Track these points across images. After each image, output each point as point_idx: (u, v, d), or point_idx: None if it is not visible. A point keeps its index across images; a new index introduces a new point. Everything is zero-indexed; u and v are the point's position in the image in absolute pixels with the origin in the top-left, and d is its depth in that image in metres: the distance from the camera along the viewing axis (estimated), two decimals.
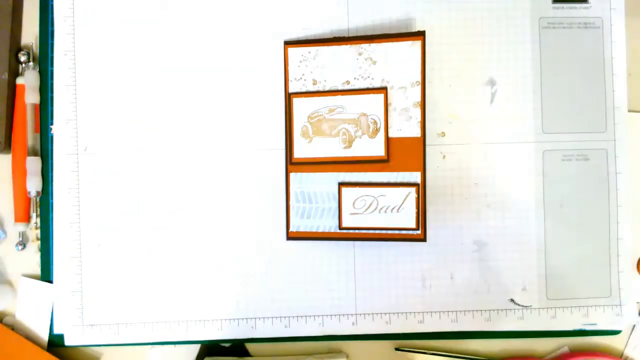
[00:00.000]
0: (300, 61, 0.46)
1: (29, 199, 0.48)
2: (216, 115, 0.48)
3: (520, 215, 0.48)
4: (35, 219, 0.48)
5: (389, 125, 0.45)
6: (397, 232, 0.46)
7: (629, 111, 0.49)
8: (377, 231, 0.46)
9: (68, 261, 0.47)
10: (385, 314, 0.48)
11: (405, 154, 0.45)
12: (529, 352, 0.50)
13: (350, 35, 0.48)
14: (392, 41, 0.45)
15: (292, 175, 0.47)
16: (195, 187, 0.47)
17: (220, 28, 0.48)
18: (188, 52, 0.47)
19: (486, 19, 0.48)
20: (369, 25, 0.48)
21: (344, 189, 0.46)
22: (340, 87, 0.46)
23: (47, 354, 0.46)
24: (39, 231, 0.48)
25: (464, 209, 0.48)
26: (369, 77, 0.45)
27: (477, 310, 0.48)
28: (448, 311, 0.48)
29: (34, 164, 0.47)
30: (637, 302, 0.49)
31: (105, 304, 0.47)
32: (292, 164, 0.47)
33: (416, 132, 0.45)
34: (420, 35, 0.45)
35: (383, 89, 0.45)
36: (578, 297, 0.49)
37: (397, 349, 0.49)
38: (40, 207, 0.48)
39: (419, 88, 0.45)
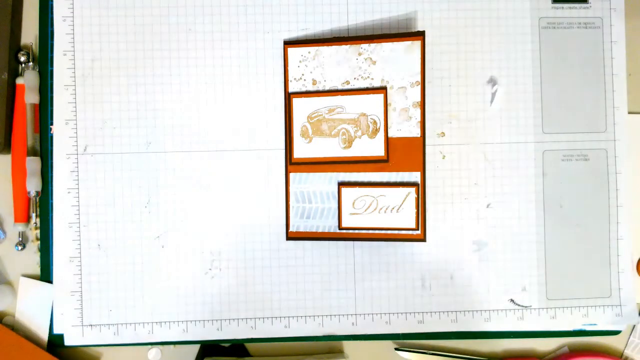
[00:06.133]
0: (300, 61, 0.46)
1: (29, 199, 0.48)
2: (216, 115, 0.48)
3: (520, 215, 0.48)
4: (34, 219, 0.48)
5: (388, 125, 0.45)
6: (397, 232, 0.46)
7: (629, 112, 0.49)
8: (377, 231, 0.46)
9: (68, 261, 0.47)
10: (385, 314, 0.48)
11: (405, 154, 0.45)
12: (529, 352, 0.50)
13: (350, 35, 0.48)
14: (392, 41, 0.45)
15: (292, 175, 0.47)
16: (195, 187, 0.47)
17: (220, 28, 0.48)
18: (188, 52, 0.47)
19: (486, 19, 0.48)
20: (368, 25, 0.48)
21: (343, 189, 0.46)
22: (340, 87, 0.46)
23: (47, 354, 0.46)
24: (38, 231, 0.48)
25: (464, 209, 0.48)
26: (368, 77, 0.45)
27: (477, 310, 0.48)
28: (448, 311, 0.48)
29: (33, 164, 0.47)
30: (637, 303, 0.49)
31: (105, 304, 0.47)
32: (292, 164, 0.47)
33: (416, 132, 0.45)
34: (420, 35, 0.45)
35: (383, 89, 0.45)
36: (578, 297, 0.49)
37: (397, 349, 0.49)
38: (40, 207, 0.48)
39: (418, 88, 0.45)
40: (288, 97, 0.47)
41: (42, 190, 0.48)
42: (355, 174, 0.46)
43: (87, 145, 0.47)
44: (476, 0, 0.48)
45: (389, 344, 0.49)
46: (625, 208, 0.49)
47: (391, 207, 0.46)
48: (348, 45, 0.46)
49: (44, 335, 0.47)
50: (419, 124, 0.45)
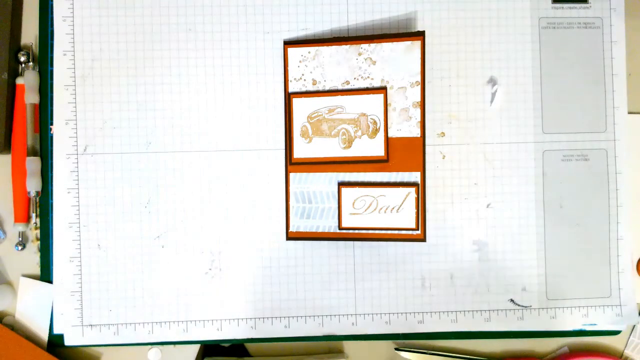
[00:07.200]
0: (300, 61, 0.46)
1: (29, 199, 0.48)
2: (216, 115, 0.48)
3: (520, 215, 0.48)
4: (34, 219, 0.48)
5: (388, 125, 0.45)
6: (397, 232, 0.46)
7: (629, 112, 0.49)
8: (377, 231, 0.46)
9: (68, 261, 0.47)
10: (385, 314, 0.48)
11: (405, 154, 0.45)
12: (529, 352, 0.50)
13: (350, 35, 0.48)
14: (392, 41, 0.45)
15: (291, 175, 0.47)
16: (195, 187, 0.47)
17: (220, 28, 0.48)
18: (188, 52, 0.47)
19: (486, 19, 0.48)
20: (368, 25, 0.48)
21: (343, 189, 0.46)
22: (340, 87, 0.46)
23: (47, 354, 0.46)
24: (38, 231, 0.48)
25: (464, 209, 0.48)
26: (368, 77, 0.45)
27: (477, 310, 0.48)
28: (448, 311, 0.48)
29: (33, 164, 0.47)
30: (637, 303, 0.49)
31: (105, 304, 0.47)
32: (292, 164, 0.47)
33: (416, 132, 0.45)
34: (420, 35, 0.45)
35: (383, 89, 0.45)
36: (578, 297, 0.49)
37: (397, 349, 0.49)
38: (40, 207, 0.48)
39: (418, 88, 0.45)
40: (288, 97, 0.47)
41: (42, 190, 0.48)
42: (355, 174, 0.46)
43: (87, 145, 0.47)
44: (476, 1, 0.48)
45: (389, 344, 0.49)
46: (625, 208, 0.49)
47: (391, 207, 0.45)
48: (348, 45, 0.46)
49: (44, 335, 0.47)
50: (419, 124, 0.45)
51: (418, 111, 0.45)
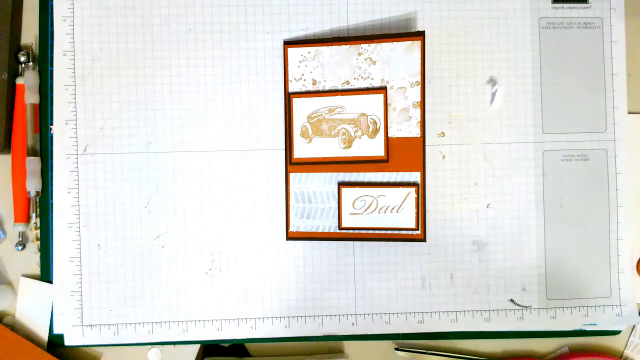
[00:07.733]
0: (300, 61, 0.46)
1: (29, 199, 0.48)
2: (216, 115, 0.48)
3: (520, 215, 0.48)
4: (34, 219, 0.48)
5: (388, 126, 0.45)
6: (397, 232, 0.46)
7: (629, 112, 0.49)
8: (377, 231, 0.46)
9: (68, 261, 0.47)
10: (385, 314, 0.48)
11: (405, 154, 0.45)
12: (529, 352, 0.50)
13: (350, 35, 0.48)
14: (392, 41, 0.45)
15: (291, 175, 0.47)
16: (195, 187, 0.47)
17: (220, 28, 0.48)
18: (188, 52, 0.47)
19: (486, 19, 0.48)
20: (368, 25, 0.48)
21: (343, 189, 0.46)
22: (339, 87, 0.46)
23: (47, 354, 0.46)
24: (38, 231, 0.48)
25: (464, 209, 0.48)
26: (368, 77, 0.45)
27: (477, 311, 0.48)
28: (448, 311, 0.48)
29: (33, 164, 0.47)
30: (637, 303, 0.49)
31: (105, 304, 0.47)
32: (292, 164, 0.47)
33: (416, 132, 0.45)
34: (420, 35, 0.45)
35: (383, 89, 0.45)
36: (578, 297, 0.49)
37: (397, 349, 0.49)
38: (40, 207, 0.48)
39: (418, 88, 0.45)
40: (288, 97, 0.47)
41: (42, 190, 0.48)
42: (355, 174, 0.46)
43: (87, 145, 0.47)
44: (476, 0, 0.48)
45: (389, 344, 0.49)
46: (625, 208, 0.49)
47: (391, 207, 0.45)
48: (348, 45, 0.46)
49: (44, 335, 0.47)
50: (419, 124, 0.45)
51: (418, 111, 0.45)
